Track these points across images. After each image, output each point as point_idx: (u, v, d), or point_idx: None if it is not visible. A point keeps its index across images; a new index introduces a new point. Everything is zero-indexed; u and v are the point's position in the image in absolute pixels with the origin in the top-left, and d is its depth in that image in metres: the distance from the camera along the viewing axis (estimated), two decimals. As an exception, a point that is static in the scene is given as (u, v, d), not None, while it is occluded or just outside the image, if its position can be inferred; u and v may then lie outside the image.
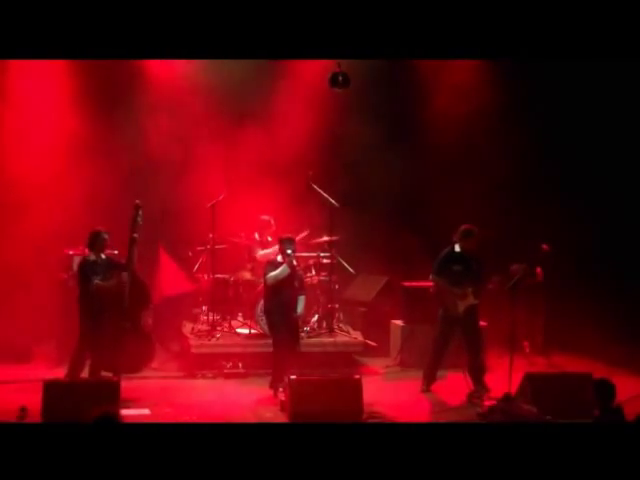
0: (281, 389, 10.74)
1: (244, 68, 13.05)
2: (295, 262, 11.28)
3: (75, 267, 11.48)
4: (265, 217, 13.10)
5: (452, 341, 11.35)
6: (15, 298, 12.63)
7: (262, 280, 11.63)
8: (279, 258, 11.29)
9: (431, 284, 11.68)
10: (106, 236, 10.68)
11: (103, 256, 10.70)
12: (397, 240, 13.82)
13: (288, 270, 11.14)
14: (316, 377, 10.64)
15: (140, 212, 10.62)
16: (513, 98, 13.80)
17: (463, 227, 11.19)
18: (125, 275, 10.54)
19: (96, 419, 6.35)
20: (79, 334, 10.62)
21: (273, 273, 11.18)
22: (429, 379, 11.43)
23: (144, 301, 11.02)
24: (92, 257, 10.66)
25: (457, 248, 11.21)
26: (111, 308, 10.49)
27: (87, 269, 10.58)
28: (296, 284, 11.31)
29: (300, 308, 11.42)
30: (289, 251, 11.12)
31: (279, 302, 11.23)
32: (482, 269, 11.15)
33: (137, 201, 10.70)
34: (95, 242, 10.66)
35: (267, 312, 11.50)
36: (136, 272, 10.77)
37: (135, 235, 10.53)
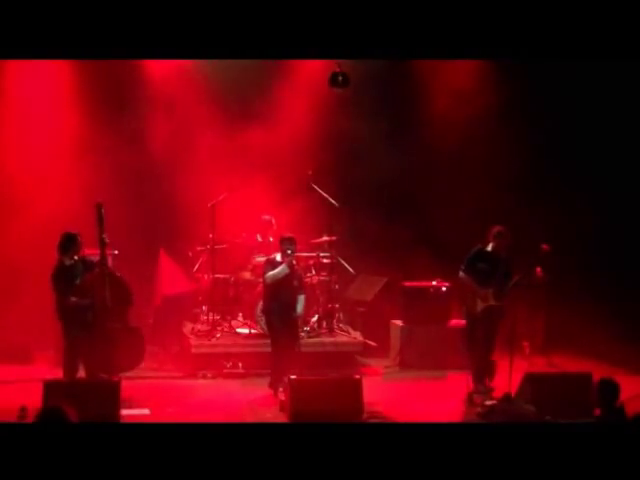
0: (281, 389, 10.74)
1: (245, 68, 13.04)
2: (294, 262, 11.28)
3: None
4: (266, 217, 13.08)
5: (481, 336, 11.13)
6: (15, 298, 12.62)
7: (262, 280, 11.63)
8: (278, 257, 11.28)
9: (430, 284, 11.65)
10: (80, 238, 10.51)
11: (76, 258, 10.54)
12: (397, 240, 13.81)
13: (287, 270, 11.12)
14: (316, 377, 10.64)
15: (102, 211, 10.44)
16: (513, 98, 13.80)
17: (496, 228, 11.12)
18: (103, 276, 10.43)
19: (41, 415, 6.37)
20: (64, 341, 10.52)
21: (271, 272, 11.17)
22: (479, 378, 11.10)
23: (126, 299, 10.92)
24: (67, 261, 10.48)
25: (489, 247, 11.15)
26: (93, 311, 10.41)
27: (63, 275, 10.42)
28: (295, 284, 11.28)
29: (300, 308, 11.38)
30: (289, 251, 11.10)
31: (278, 302, 11.22)
32: (509, 273, 11.01)
33: (98, 201, 10.56)
34: (69, 245, 10.46)
35: (266, 312, 11.49)
36: (113, 271, 10.73)
37: (103, 236, 10.45)
